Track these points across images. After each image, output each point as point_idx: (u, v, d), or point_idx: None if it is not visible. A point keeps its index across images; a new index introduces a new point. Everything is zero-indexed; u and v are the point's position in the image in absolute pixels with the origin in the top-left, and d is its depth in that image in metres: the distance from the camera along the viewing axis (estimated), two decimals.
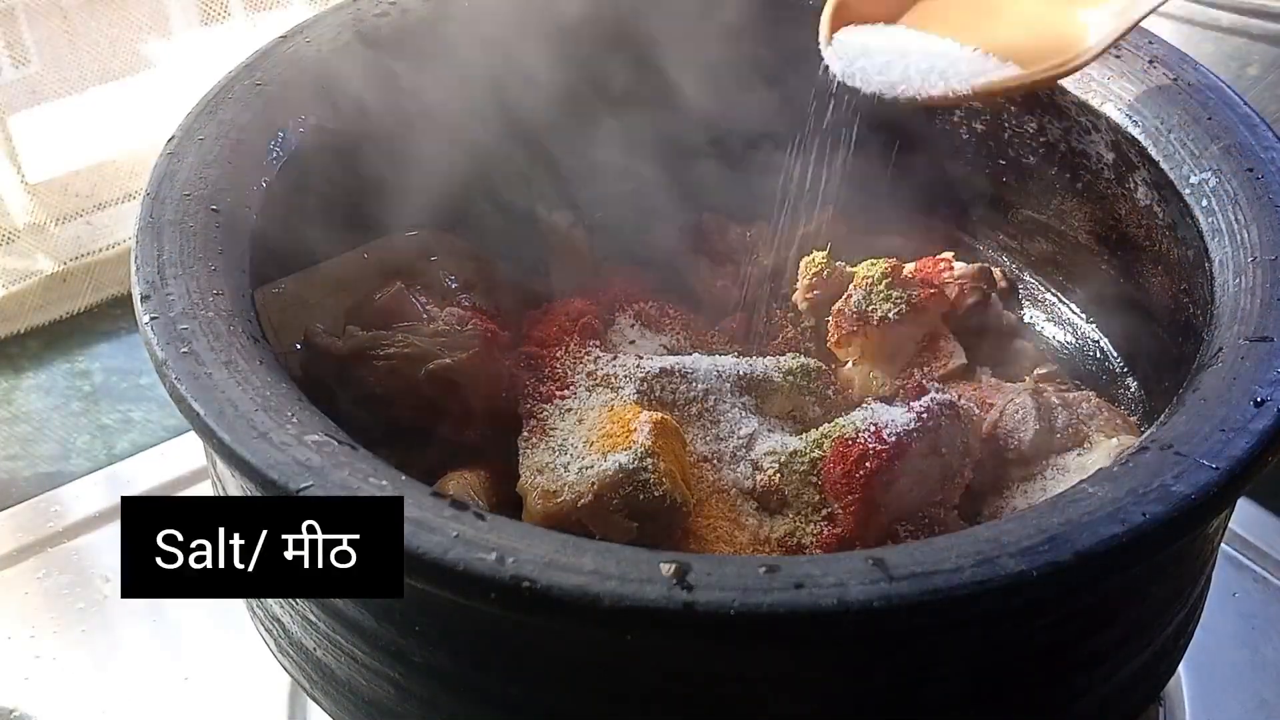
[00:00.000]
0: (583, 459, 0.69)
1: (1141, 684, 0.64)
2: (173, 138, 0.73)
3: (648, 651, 0.52)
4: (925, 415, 0.71)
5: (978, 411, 0.76)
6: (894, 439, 0.69)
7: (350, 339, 0.75)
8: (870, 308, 0.81)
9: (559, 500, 0.67)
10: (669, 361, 0.77)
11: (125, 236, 1.21)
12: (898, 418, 0.71)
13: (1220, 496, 0.55)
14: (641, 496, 0.66)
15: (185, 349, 0.59)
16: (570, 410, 0.74)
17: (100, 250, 1.20)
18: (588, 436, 0.71)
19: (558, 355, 0.78)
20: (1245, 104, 0.76)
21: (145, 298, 0.62)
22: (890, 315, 0.81)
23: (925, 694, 0.55)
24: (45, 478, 1.05)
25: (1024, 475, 0.76)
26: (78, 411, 1.12)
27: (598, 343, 0.81)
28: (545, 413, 0.74)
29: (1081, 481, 0.56)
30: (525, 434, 0.73)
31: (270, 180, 0.74)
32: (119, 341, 1.18)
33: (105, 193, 1.21)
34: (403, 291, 0.78)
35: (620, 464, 0.67)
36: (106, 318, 1.20)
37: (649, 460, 0.67)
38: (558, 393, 0.76)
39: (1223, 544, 0.73)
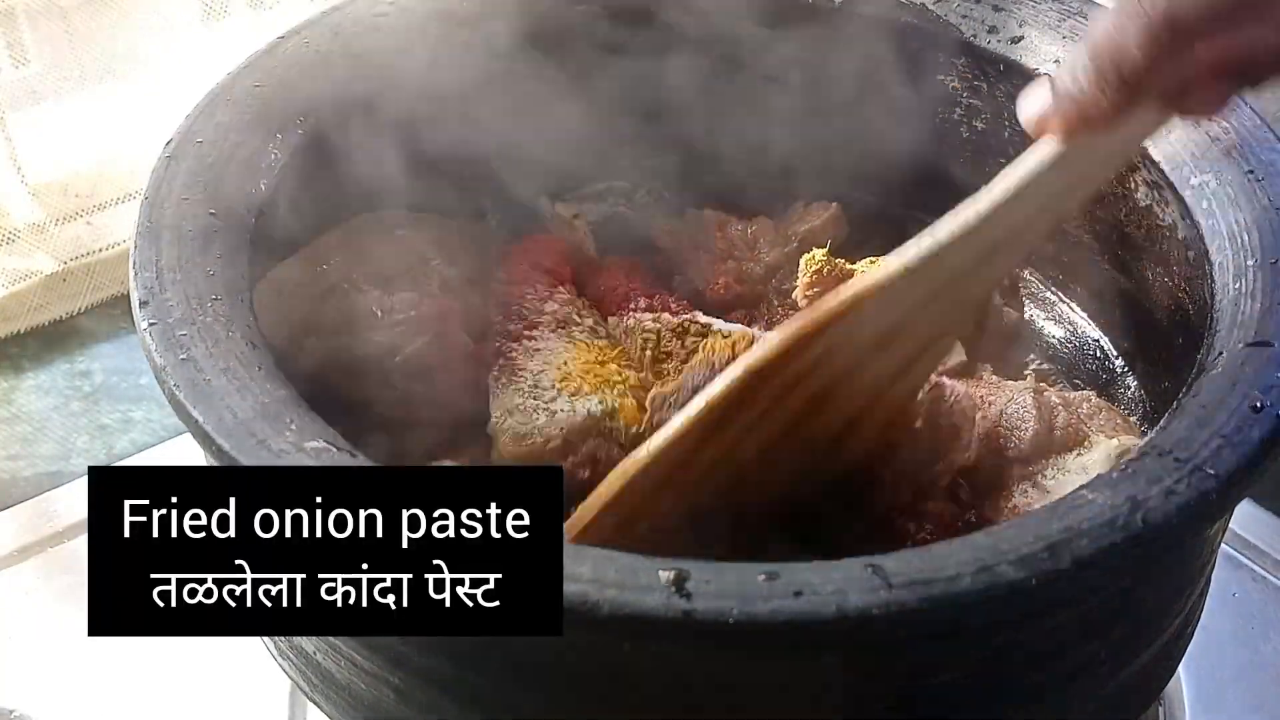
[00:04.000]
0: (553, 403, 0.72)
1: (1140, 688, 0.64)
2: (170, 141, 0.73)
3: (646, 659, 0.52)
4: None
5: (970, 400, 0.76)
6: None
7: (310, 355, 0.74)
8: None
9: (529, 442, 0.70)
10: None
11: (125, 236, 1.21)
12: None
13: (1219, 503, 0.54)
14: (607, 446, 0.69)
15: (184, 355, 0.59)
16: (538, 351, 0.76)
17: (100, 250, 1.19)
18: (556, 378, 0.73)
19: (526, 295, 0.79)
20: (1247, 104, 0.76)
21: (144, 303, 0.62)
22: None
23: (924, 700, 0.55)
24: (45, 478, 1.05)
25: (1023, 475, 0.75)
26: (78, 411, 1.12)
27: (566, 287, 0.82)
28: (514, 352, 0.75)
29: (1081, 488, 0.56)
30: (495, 373, 0.74)
31: (268, 183, 0.73)
32: (119, 341, 1.17)
33: (105, 193, 1.21)
34: (344, 294, 0.77)
35: (590, 411, 0.70)
36: (106, 318, 1.20)
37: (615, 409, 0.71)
38: (525, 333, 0.76)
39: (1222, 544, 0.73)
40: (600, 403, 0.71)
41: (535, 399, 0.72)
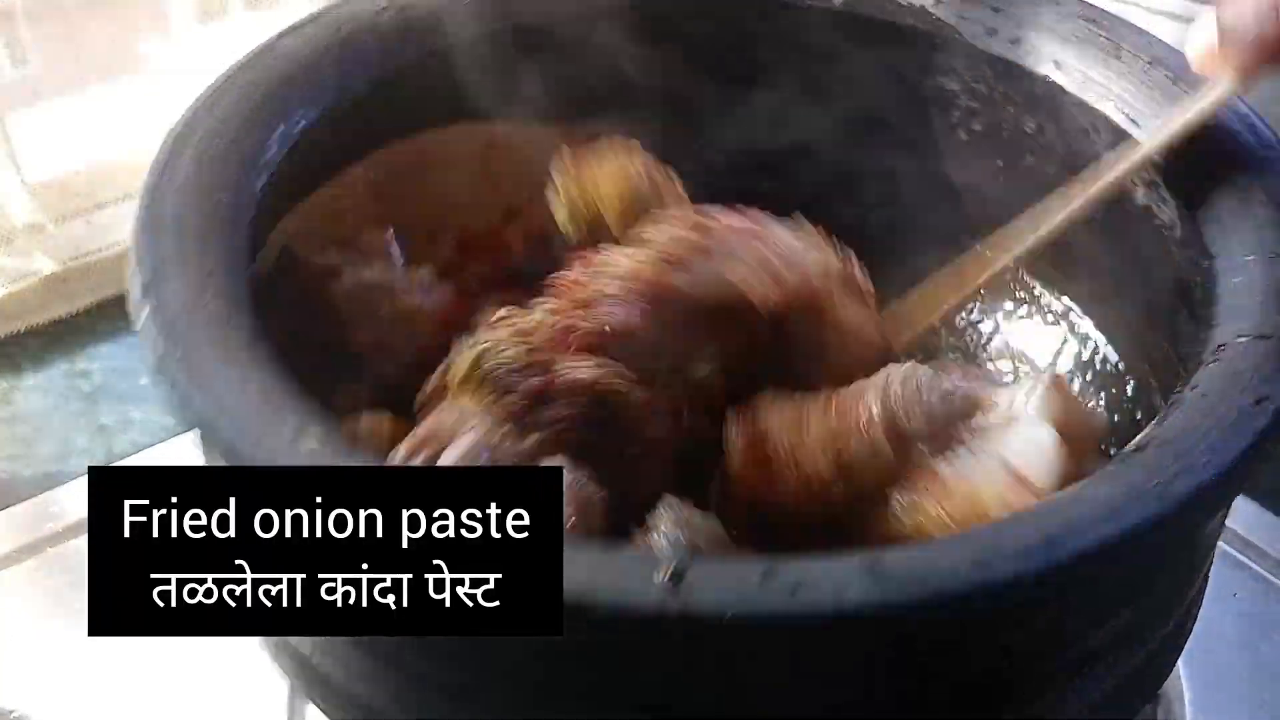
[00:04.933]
0: None
1: (1139, 683, 0.64)
2: (170, 133, 0.73)
3: (642, 657, 0.52)
4: None
5: None
6: None
7: (328, 256, 0.76)
8: None
9: None
10: None
11: (125, 236, 1.20)
12: None
13: (1219, 496, 0.54)
14: None
15: (183, 350, 0.59)
16: None
17: (100, 250, 1.19)
18: None
19: None
20: (1245, 104, 0.76)
21: (142, 296, 0.62)
22: None
23: (922, 696, 0.55)
24: (45, 478, 1.05)
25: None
26: (77, 411, 1.12)
27: None
28: None
29: (1079, 481, 0.56)
30: None
31: (269, 176, 0.73)
32: (119, 341, 1.18)
33: (105, 193, 1.21)
34: (388, 239, 0.80)
35: None
36: (106, 318, 1.20)
37: None
38: None
39: (1222, 544, 0.73)
40: None
41: None
